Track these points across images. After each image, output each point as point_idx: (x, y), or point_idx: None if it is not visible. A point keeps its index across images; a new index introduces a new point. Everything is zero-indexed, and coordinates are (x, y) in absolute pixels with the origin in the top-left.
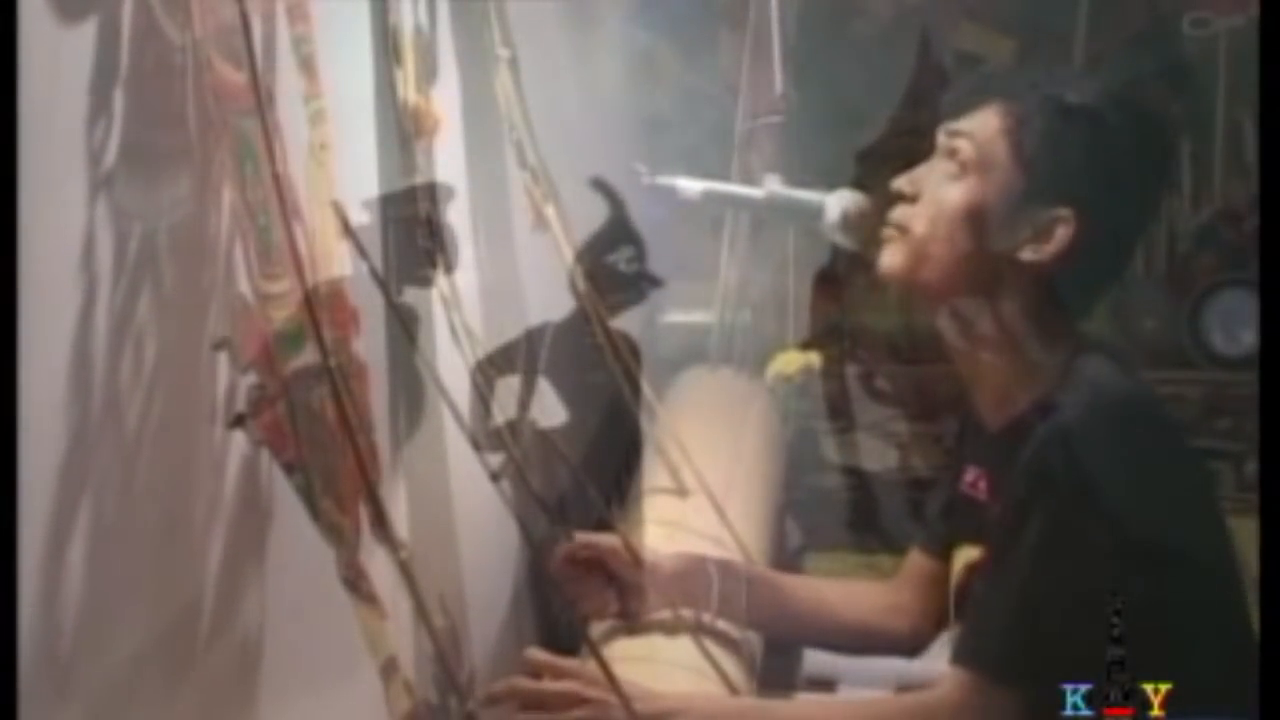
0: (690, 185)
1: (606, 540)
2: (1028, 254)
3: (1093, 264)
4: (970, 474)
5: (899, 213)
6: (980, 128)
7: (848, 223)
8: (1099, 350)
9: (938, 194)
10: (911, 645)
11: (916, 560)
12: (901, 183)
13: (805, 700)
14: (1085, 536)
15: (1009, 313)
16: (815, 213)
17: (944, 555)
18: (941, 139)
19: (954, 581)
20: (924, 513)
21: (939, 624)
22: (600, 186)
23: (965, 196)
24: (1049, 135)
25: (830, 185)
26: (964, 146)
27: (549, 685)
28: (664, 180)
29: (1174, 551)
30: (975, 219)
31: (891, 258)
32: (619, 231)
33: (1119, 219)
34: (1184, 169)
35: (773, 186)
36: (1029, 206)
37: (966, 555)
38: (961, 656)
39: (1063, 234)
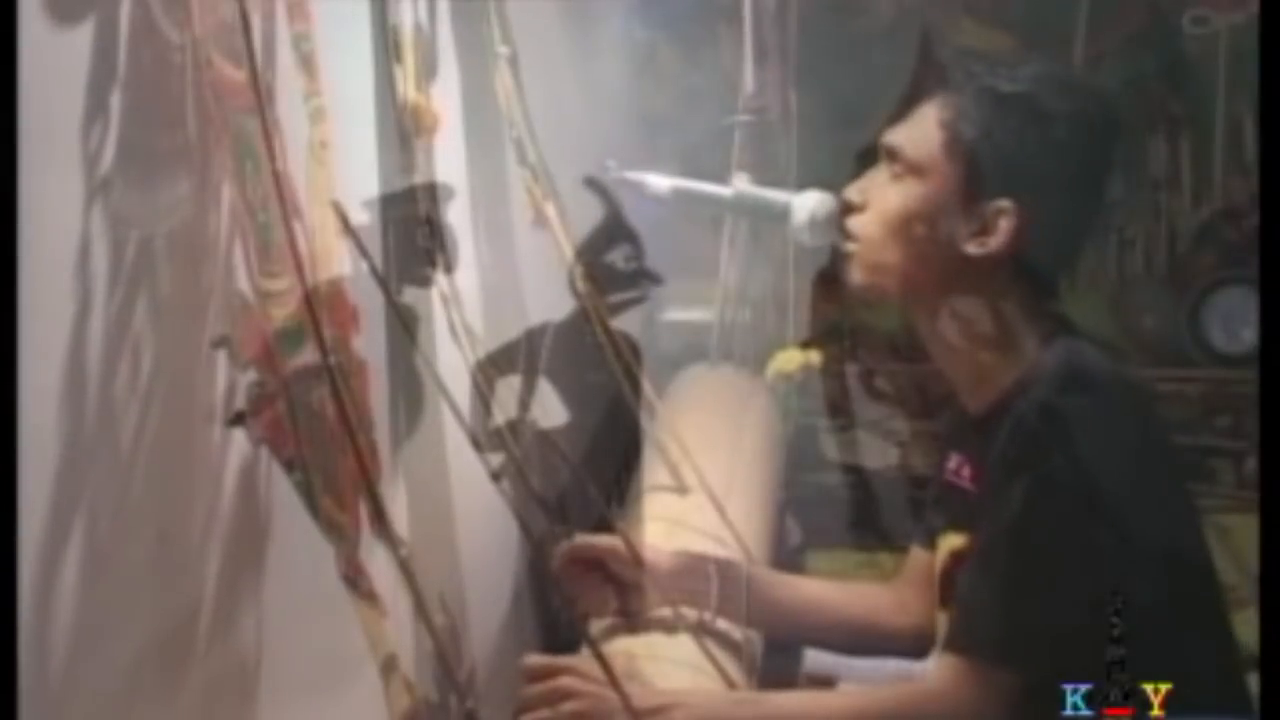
0: (659, 181)
1: (606, 541)
2: (973, 248)
3: (1045, 249)
4: (954, 461)
5: (852, 222)
6: (918, 126)
7: (815, 224)
8: (1076, 335)
9: (882, 200)
10: (915, 644)
11: (917, 557)
12: (851, 192)
13: (800, 692)
14: (1066, 512)
15: (973, 305)
16: (782, 213)
17: (934, 546)
18: (884, 142)
19: (938, 568)
20: (922, 509)
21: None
22: (594, 185)
23: (905, 199)
24: (984, 126)
25: (830, 185)
26: (902, 148)
27: (542, 685)
28: (633, 176)
29: (1147, 533)
30: (917, 220)
31: (851, 266)
32: (615, 230)
33: (1065, 204)
34: (1184, 167)
35: (741, 185)
36: (971, 200)
37: (951, 542)
38: (952, 642)
39: (1005, 225)
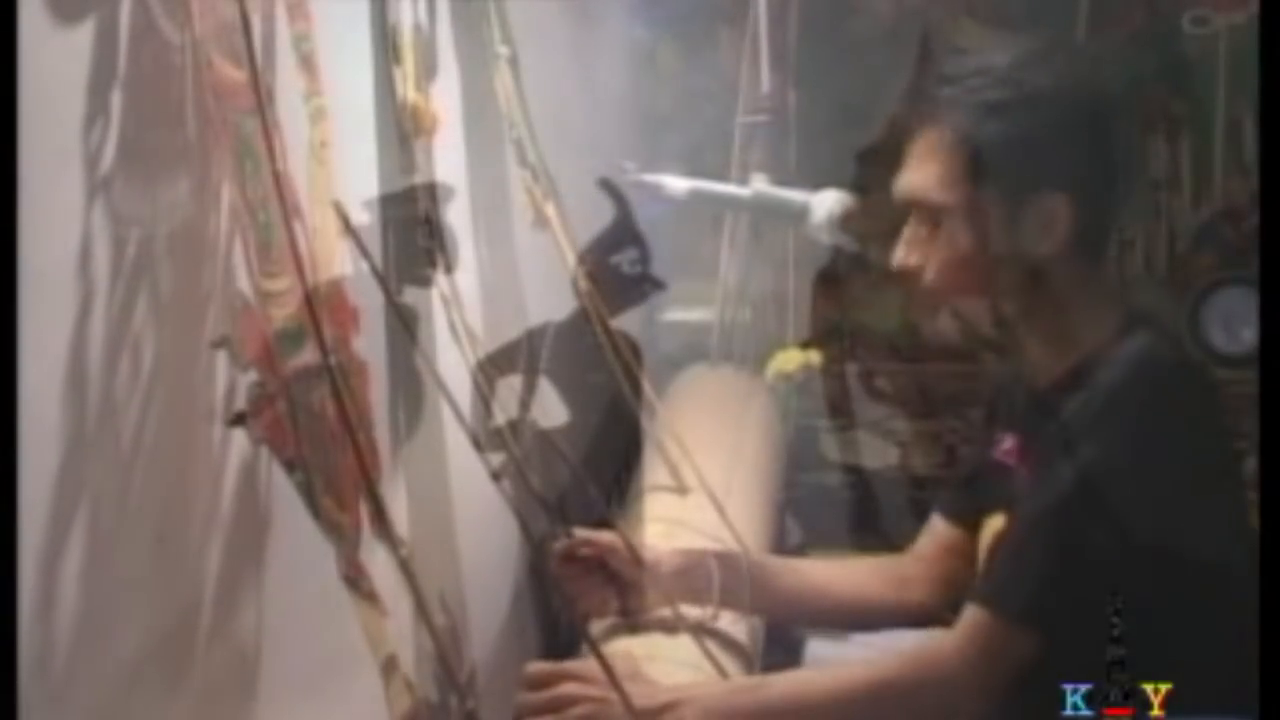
0: (676, 183)
1: (605, 537)
2: (1041, 248)
3: (1094, 228)
4: (1007, 442)
5: (917, 290)
6: (925, 166)
7: (832, 223)
8: (1151, 323)
9: (935, 253)
10: (921, 617)
11: (936, 528)
12: (900, 256)
13: (801, 671)
14: (1117, 494)
15: (1040, 299)
16: (800, 213)
17: (966, 524)
18: (899, 195)
19: (983, 551)
20: (959, 487)
21: (950, 595)
22: (607, 187)
23: (953, 243)
24: (988, 137)
25: (831, 184)
26: (924, 194)
27: (546, 693)
28: (650, 178)
29: (1197, 523)
30: (977, 254)
31: (939, 321)
32: (624, 233)
33: (1095, 175)
34: (1184, 167)
35: (759, 186)
36: (1013, 208)
37: (995, 524)
38: (981, 595)
39: (1059, 215)
